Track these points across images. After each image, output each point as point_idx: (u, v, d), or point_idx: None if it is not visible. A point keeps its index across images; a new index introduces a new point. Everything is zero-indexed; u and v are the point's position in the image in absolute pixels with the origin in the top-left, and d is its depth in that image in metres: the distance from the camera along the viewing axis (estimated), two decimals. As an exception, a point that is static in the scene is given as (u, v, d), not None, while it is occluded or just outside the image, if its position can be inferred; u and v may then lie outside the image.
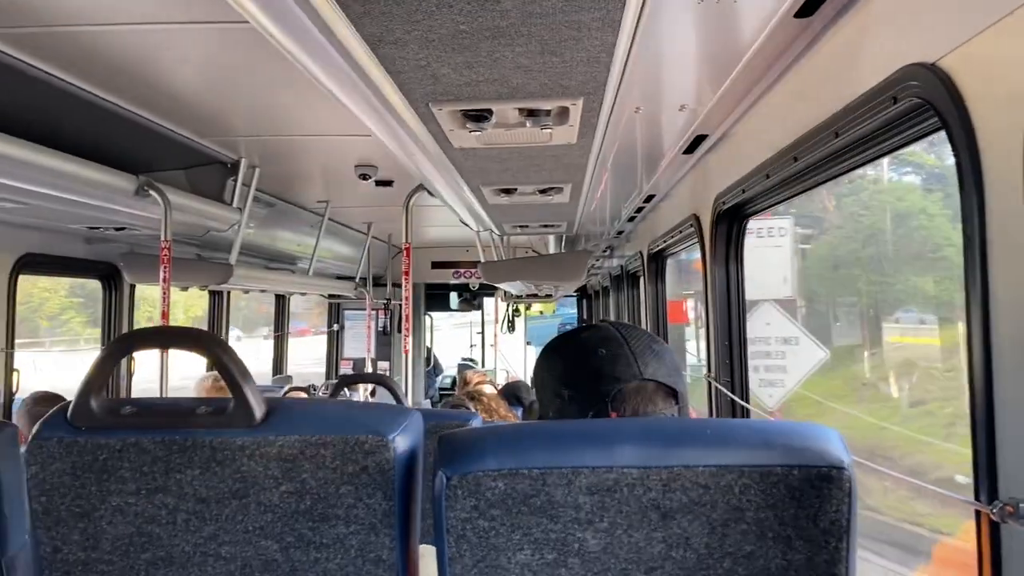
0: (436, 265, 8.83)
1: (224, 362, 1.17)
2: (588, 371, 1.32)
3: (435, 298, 10.41)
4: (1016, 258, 1.00)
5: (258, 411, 1.17)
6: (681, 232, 3.06)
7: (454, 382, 11.20)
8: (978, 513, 1.09)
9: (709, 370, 2.54)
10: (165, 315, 3.67)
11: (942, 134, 1.26)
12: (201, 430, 1.17)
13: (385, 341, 9.00)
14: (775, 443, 1.05)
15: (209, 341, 1.22)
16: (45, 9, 2.05)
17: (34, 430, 1.20)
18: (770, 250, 4.09)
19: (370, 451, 1.15)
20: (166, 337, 1.33)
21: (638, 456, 1.04)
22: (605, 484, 1.04)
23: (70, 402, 1.20)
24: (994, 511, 1.03)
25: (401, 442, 1.16)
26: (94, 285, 4.97)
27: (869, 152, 1.46)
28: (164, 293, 3.69)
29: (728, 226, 2.41)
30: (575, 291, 10.03)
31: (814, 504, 1.02)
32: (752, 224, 2.71)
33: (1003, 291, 1.01)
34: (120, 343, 1.21)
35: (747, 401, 2.38)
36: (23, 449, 2.50)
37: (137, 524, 1.18)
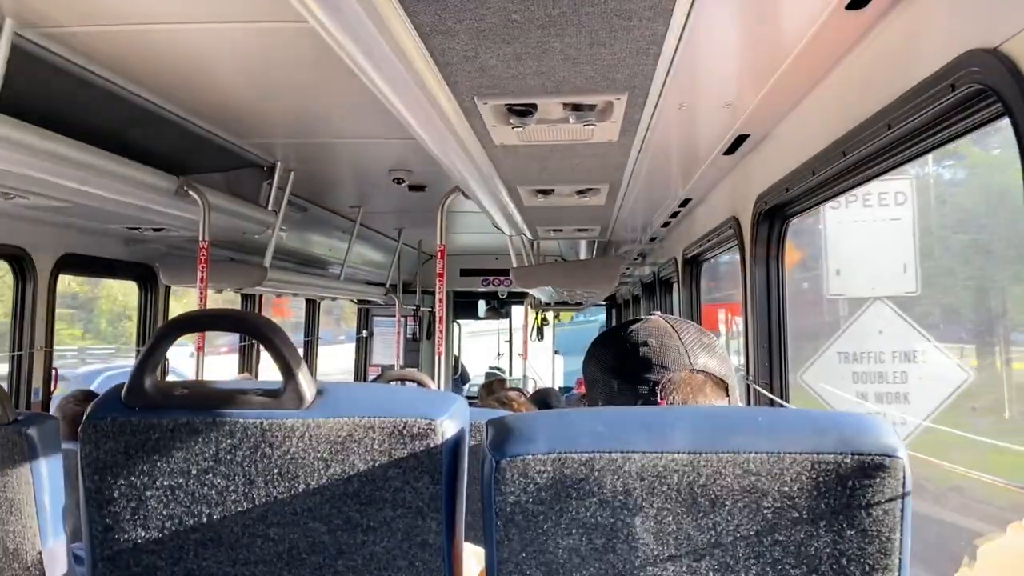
0: (465, 273, 8.88)
1: (275, 344, 1.18)
2: (637, 360, 1.32)
3: (463, 305, 10.46)
4: None
5: (308, 393, 1.18)
6: (719, 235, 3.05)
7: (482, 390, 11.20)
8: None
9: (748, 373, 2.52)
10: (202, 314, 3.70)
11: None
12: (252, 411, 1.18)
13: (413, 347, 9.06)
14: (827, 430, 1.04)
15: (260, 323, 1.23)
16: (89, 8, 2.09)
17: (88, 410, 1.22)
18: (881, 225, 2.94)
19: (418, 434, 1.15)
20: (219, 319, 1.35)
21: (688, 441, 1.03)
22: (655, 469, 1.03)
23: (123, 384, 1.22)
24: (1059, 497, 1.01)
25: (449, 426, 1.17)
26: (86, 297, 5.00)
27: (923, 144, 1.45)
28: (202, 293, 3.74)
29: (769, 227, 2.40)
30: (604, 300, 10.01)
31: (867, 493, 1.01)
32: (857, 190, 2.29)
33: None
34: (173, 324, 1.22)
35: (787, 402, 2.37)
36: (65, 445, 2.55)
37: (187, 504, 1.19)
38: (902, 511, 1.01)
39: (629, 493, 1.04)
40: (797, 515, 1.03)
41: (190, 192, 3.41)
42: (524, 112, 1.86)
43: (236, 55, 2.49)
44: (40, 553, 2.29)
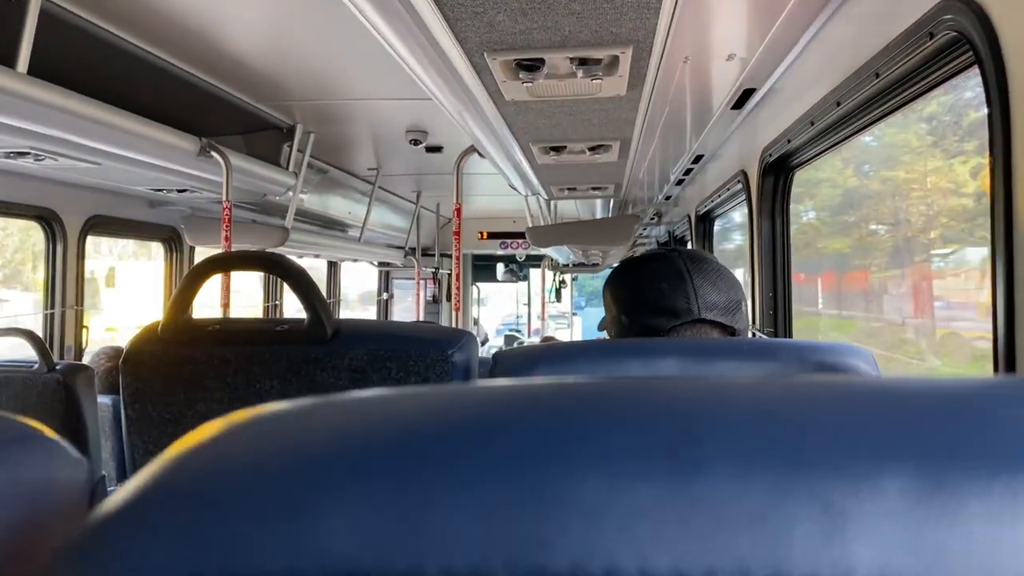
0: (483, 236, 8.93)
1: (301, 282, 1.27)
2: (648, 303, 1.35)
3: (482, 268, 10.53)
4: None
5: (329, 328, 1.28)
6: (728, 189, 3.10)
7: (501, 352, 11.30)
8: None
9: (754, 321, 2.59)
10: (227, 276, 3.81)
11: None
12: (279, 344, 1.27)
13: (433, 310, 9.17)
14: (809, 358, 1.11)
15: (287, 264, 1.32)
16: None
17: (127, 345, 1.32)
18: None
19: (431, 364, 1.25)
20: (249, 259, 1.44)
21: (678, 367, 1.11)
22: None
23: (160, 320, 1.32)
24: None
25: (459, 357, 1.26)
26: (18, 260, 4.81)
27: (908, 92, 1.50)
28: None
29: (775, 179, 2.45)
30: (621, 261, 10.06)
31: None
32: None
33: None
34: (207, 263, 1.31)
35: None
36: (100, 398, 2.66)
37: None
38: None
39: None
40: None
41: (212, 153, 3.49)
42: (533, 67, 1.93)
43: (254, 18, 2.56)
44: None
